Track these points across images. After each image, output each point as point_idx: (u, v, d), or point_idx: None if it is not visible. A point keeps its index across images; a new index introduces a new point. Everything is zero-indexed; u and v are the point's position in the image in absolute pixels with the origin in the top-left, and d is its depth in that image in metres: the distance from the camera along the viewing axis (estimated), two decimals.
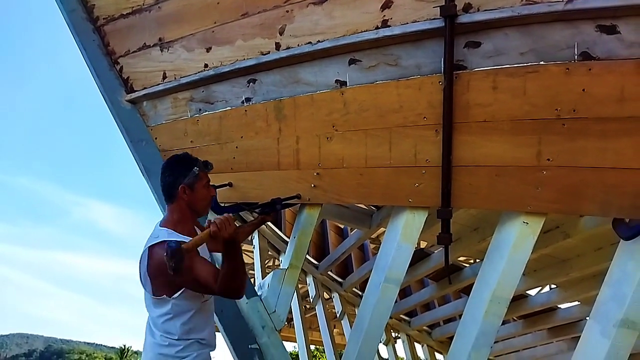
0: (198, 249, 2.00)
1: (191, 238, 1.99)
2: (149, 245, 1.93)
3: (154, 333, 1.96)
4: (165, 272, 1.82)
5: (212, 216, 3.29)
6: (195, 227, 2.15)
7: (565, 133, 2.14)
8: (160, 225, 2.03)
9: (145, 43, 3.28)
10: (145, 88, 3.34)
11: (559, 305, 5.50)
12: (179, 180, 2.03)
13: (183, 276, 1.80)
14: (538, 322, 5.87)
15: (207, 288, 1.88)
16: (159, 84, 3.26)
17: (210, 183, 2.18)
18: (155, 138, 3.42)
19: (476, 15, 2.19)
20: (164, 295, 1.92)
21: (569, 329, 5.74)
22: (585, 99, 2.09)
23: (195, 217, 2.14)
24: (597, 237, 3.47)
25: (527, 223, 2.35)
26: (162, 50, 3.21)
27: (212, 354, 2.09)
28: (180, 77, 3.15)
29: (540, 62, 2.14)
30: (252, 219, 4.64)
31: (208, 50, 3.02)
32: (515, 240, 2.37)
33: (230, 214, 1.89)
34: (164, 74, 3.24)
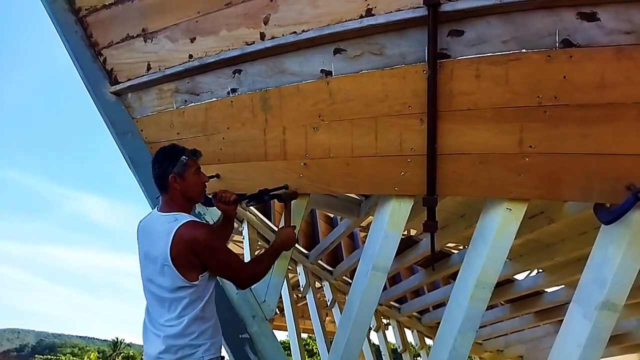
0: None
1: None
2: (178, 226, 1.96)
3: (161, 326, 1.99)
4: (196, 251, 1.95)
5: (201, 209, 3.31)
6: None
7: (546, 120, 2.16)
8: (160, 211, 2.11)
9: (128, 34, 3.25)
10: (129, 79, 3.31)
11: (545, 289, 5.60)
12: (168, 170, 2.09)
13: (219, 254, 2.04)
14: (525, 306, 5.98)
15: (235, 271, 2.11)
16: (144, 75, 3.23)
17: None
18: (141, 130, 3.40)
19: (459, 4, 2.19)
20: (189, 279, 1.97)
21: (555, 312, 5.85)
22: (566, 86, 2.10)
23: (190, 204, 2.21)
24: (581, 221, 3.53)
25: (510, 209, 2.38)
26: (145, 41, 3.18)
27: None
28: (165, 68, 3.13)
29: (522, 50, 2.15)
30: (243, 209, 4.67)
31: (192, 40, 2.99)
32: (499, 227, 2.40)
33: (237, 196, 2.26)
34: (148, 65, 3.21)
